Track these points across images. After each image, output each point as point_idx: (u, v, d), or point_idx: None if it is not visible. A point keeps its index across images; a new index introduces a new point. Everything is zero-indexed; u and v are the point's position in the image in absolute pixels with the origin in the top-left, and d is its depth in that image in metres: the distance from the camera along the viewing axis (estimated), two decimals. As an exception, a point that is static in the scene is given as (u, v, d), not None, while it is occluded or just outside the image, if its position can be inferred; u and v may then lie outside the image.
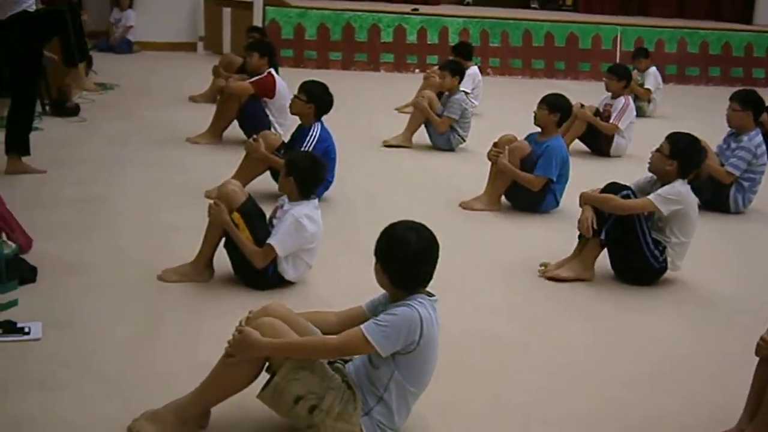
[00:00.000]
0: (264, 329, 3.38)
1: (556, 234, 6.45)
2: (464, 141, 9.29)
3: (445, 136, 9.20)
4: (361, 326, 3.34)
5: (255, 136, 6.89)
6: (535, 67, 15.83)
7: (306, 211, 5.00)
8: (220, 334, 4.28)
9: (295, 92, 6.86)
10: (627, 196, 5.45)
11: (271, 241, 4.94)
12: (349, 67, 15.14)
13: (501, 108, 11.93)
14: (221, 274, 5.20)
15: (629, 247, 5.44)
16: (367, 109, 10.96)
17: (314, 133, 6.71)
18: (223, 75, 10.32)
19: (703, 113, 12.59)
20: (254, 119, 8.39)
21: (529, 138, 7.16)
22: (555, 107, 7.01)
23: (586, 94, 9.48)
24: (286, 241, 4.95)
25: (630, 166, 8.93)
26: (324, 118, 6.89)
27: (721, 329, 5.05)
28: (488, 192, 7.11)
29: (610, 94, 9.70)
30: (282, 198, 5.17)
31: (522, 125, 8.29)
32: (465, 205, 7.08)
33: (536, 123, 7.11)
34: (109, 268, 5.27)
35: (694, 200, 5.54)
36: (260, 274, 5.02)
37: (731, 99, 7.54)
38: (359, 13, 15.31)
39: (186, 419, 3.48)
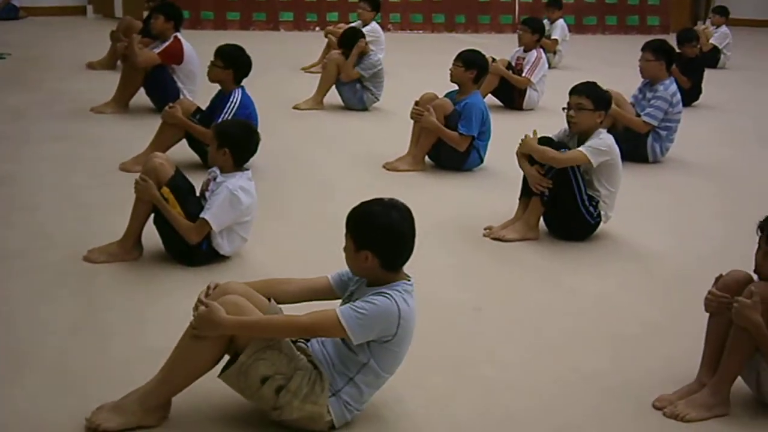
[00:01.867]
0: (227, 308, 3.20)
1: (486, 192, 6.42)
2: (378, 100, 9.17)
3: (357, 95, 9.07)
4: (337, 309, 3.21)
5: (171, 104, 6.62)
6: (435, 21, 15.77)
7: (241, 182, 4.82)
8: (164, 316, 4.19)
9: (211, 58, 6.60)
10: None
11: (205, 215, 4.75)
12: (247, 27, 14.84)
13: (407, 64, 11.83)
14: (150, 251, 4.99)
15: (566, 205, 5.42)
16: (271, 71, 10.69)
17: (235, 99, 6.48)
18: (123, 39, 9.91)
19: (605, 63, 12.78)
20: (161, 86, 8.13)
21: (449, 96, 7.08)
22: (471, 64, 6.93)
23: (488, 47, 9.45)
24: (220, 215, 4.76)
25: (543, 118, 8.97)
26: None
27: (667, 283, 5.07)
28: (412, 152, 7.02)
29: (521, 47, 9.68)
30: (213, 169, 4.97)
31: (431, 81, 8.23)
32: (389, 167, 6.98)
33: (453, 80, 7.03)
34: (35, 252, 5.01)
35: (617, 149, 5.54)
36: (193, 249, 4.83)
37: (643, 49, 7.57)
38: (256, -29, 14.98)
39: (150, 408, 3.30)
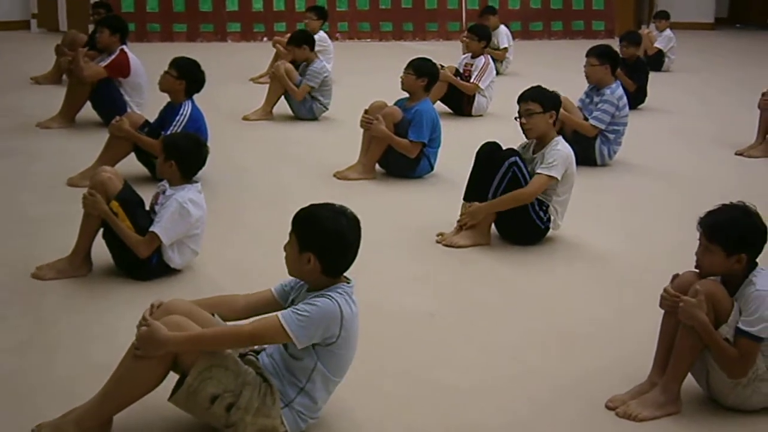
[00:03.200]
0: (170, 328, 3.17)
1: (438, 199, 6.43)
2: (327, 109, 9.17)
3: (307, 105, 9.05)
4: (278, 314, 3.19)
5: (118, 117, 6.55)
6: (383, 29, 15.81)
7: (190, 195, 4.78)
8: (113, 332, 4.13)
9: (164, 69, 6.54)
10: (515, 163, 5.43)
11: (154, 228, 4.70)
12: (194, 38, 14.76)
13: (356, 72, 11.84)
14: (100, 266, 4.93)
15: (516, 210, 5.45)
16: (219, 82, 10.56)
17: (185, 112, 6.42)
18: (68, 53, 9.80)
19: (551, 68, 12.88)
20: (108, 100, 8.06)
21: (398, 104, 7.09)
22: (422, 72, 6.96)
23: (436, 54, 9.49)
24: (170, 229, 4.72)
25: (493, 124, 9.05)
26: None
27: (620, 284, 5.11)
28: (362, 160, 7.02)
29: (469, 54, 9.75)
30: (163, 183, 4.92)
31: (380, 89, 8.24)
32: (340, 175, 6.97)
33: (404, 88, 7.05)
34: (-20, 270, 4.93)
35: (573, 156, 5.59)
36: (144, 264, 4.78)
37: (588, 55, 7.65)
38: (202, -18, 14.91)
39: (88, 429, 3.24)
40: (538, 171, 5.42)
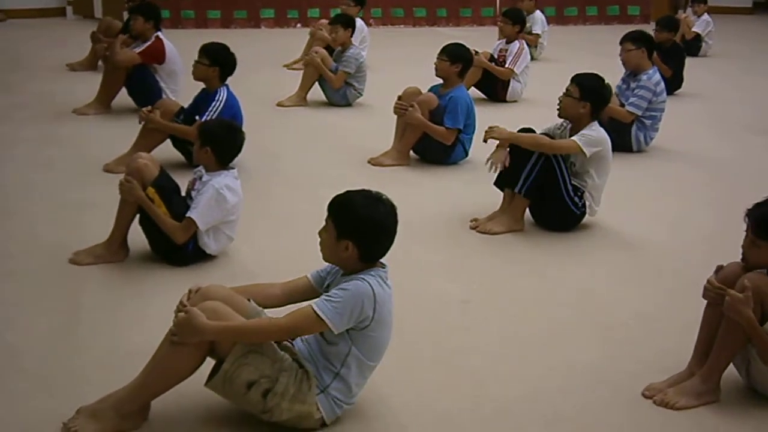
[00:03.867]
0: (207, 314, 3.18)
1: (472, 185, 6.40)
2: (361, 95, 9.14)
3: (341, 92, 9.03)
4: (312, 303, 3.20)
5: (149, 107, 6.57)
6: (417, 15, 15.73)
7: (226, 181, 4.80)
8: (149, 318, 4.17)
9: (196, 57, 6.55)
10: None
11: (191, 214, 4.72)
12: (228, 25, 14.76)
13: (389, 59, 11.79)
14: (137, 252, 4.97)
15: (551, 196, 5.42)
16: (253, 68, 10.56)
17: (221, 98, 6.43)
18: (103, 40, 9.87)
19: (586, 53, 12.78)
20: (143, 86, 8.06)
21: (433, 90, 7.07)
22: (456, 58, 6.92)
23: (469, 40, 9.43)
24: (207, 214, 4.74)
25: (527, 109, 8.98)
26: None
27: (656, 271, 5.07)
28: (397, 146, 7.00)
29: (503, 39, 9.69)
30: (199, 169, 4.94)
31: (414, 75, 8.21)
32: (374, 162, 6.96)
33: (438, 74, 7.01)
34: (21, 255, 4.98)
35: (609, 141, 5.55)
36: (180, 249, 4.81)
37: (622, 41, 7.58)
38: (236, -31, 14.91)
39: (127, 414, 3.28)
40: (572, 138, 5.40)
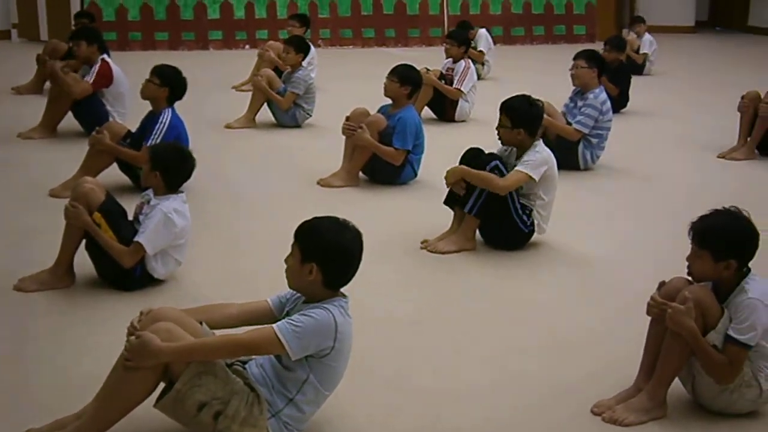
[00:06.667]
0: (161, 335, 3.15)
1: (422, 205, 6.43)
2: (310, 116, 9.16)
3: (290, 113, 9.04)
4: (274, 326, 3.19)
5: (98, 128, 6.52)
6: (366, 36, 15.82)
7: (174, 205, 4.76)
8: (98, 343, 4.10)
9: (146, 77, 6.51)
10: (496, 167, 5.43)
11: (139, 238, 4.68)
12: (176, 47, 14.73)
13: (338, 79, 11.83)
14: (83, 277, 4.90)
15: (499, 215, 5.46)
16: (202, 90, 10.52)
17: (164, 120, 6.39)
18: (49, 63, 9.76)
19: (533, 72, 12.92)
20: (90, 110, 8.02)
21: (382, 110, 7.09)
22: (406, 79, 6.96)
23: (418, 60, 9.52)
24: (155, 239, 4.70)
25: (476, 129, 9.06)
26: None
27: (605, 289, 5.12)
28: (346, 167, 7.01)
29: (450, 59, 9.77)
30: (147, 192, 4.90)
31: (364, 95, 8.24)
32: (323, 183, 6.96)
33: (386, 94, 7.04)
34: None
35: (554, 159, 5.60)
36: (127, 274, 4.76)
37: (576, 57, 7.68)
38: (183, -9, 14.90)
39: None
40: (516, 168, 5.43)
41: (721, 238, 3.53)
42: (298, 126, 9.08)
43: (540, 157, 5.45)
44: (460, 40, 9.78)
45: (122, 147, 6.41)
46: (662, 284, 3.75)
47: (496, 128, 5.56)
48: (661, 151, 8.58)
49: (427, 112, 9.39)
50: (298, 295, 3.42)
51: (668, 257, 5.12)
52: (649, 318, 3.75)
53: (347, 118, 7.04)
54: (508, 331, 4.52)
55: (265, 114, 9.11)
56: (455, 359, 4.20)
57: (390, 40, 15.98)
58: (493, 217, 5.50)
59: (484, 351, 4.28)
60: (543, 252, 5.64)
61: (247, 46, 14.84)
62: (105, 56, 8.15)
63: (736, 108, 8.36)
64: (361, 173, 7.08)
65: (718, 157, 8.25)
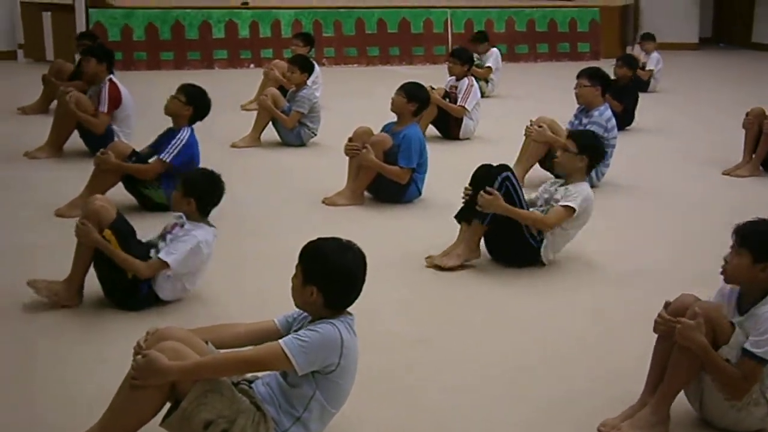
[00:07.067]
0: (167, 354, 3.16)
1: (427, 223, 6.44)
2: (315, 134, 9.17)
3: (295, 132, 9.06)
4: (281, 341, 3.20)
5: (102, 150, 6.53)
6: (370, 54, 15.84)
7: (208, 237, 4.85)
8: (106, 363, 4.11)
9: (173, 93, 6.59)
10: (507, 178, 5.47)
11: (166, 258, 4.69)
12: (181, 66, 14.74)
13: (343, 98, 11.84)
14: (89, 297, 4.90)
15: (509, 228, 5.46)
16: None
17: (183, 137, 6.46)
18: (55, 83, 9.82)
19: (537, 88, 12.95)
20: (94, 134, 8.02)
21: (386, 128, 7.11)
22: (413, 97, 6.98)
23: (423, 78, 9.54)
24: (182, 262, 4.73)
25: (480, 147, 9.07)
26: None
27: (610, 304, 5.13)
28: (351, 186, 7.01)
29: (453, 77, 9.80)
30: (181, 216, 4.92)
31: (367, 114, 8.25)
32: (328, 201, 6.96)
33: (392, 109, 7.07)
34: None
35: (593, 199, 5.64)
36: (133, 294, 4.77)
37: (579, 76, 7.70)
38: (188, 11, 14.94)
39: None
40: (562, 204, 5.46)
41: (765, 239, 3.55)
42: (303, 144, 9.10)
43: (586, 194, 5.52)
44: (463, 59, 9.81)
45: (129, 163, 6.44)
46: (668, 303, 3.74)
47: (557, 154, 5.67)
48: (666, 168, 8.58)
49: (431, 130, 9.39)
50: (305, 314, 3.43)
51: (672, 273, 5.15)
52: (655, 335, 3.74)
53: (350, 139, 7.06)
54: (512, 346, 4.54)
55: (270, 133, 9.13)
56: (461, 376, 4.20)
57: (394, 58, 16.01)
58: (502, 230, 5.49)
59: (488, 367, 4.29)
60: (546, 267, 5.64)
61: (251, 65, 14.87)
62: (112, 77, 8.18)
63: (740, 125, 8.36)
64: (366, 192, 7.09)
65: (723, 174, 8.25)
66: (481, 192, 5.38)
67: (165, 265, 4.70)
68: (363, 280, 3.35)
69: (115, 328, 4.59)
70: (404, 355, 4.42)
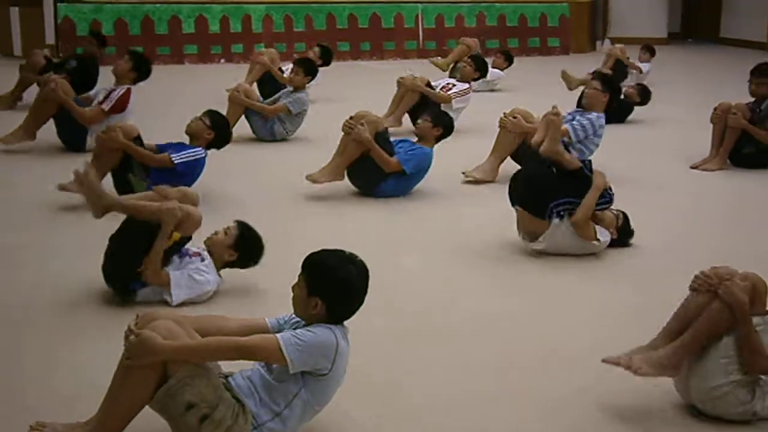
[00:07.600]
0: (160, 332, 3.18)
1: (404, 217, 6.52)
2: (288, 136, 9.17)
3: (268, 126, 9.04)
4: (278, 335, 3.24)
5: (109, 125, 6.55)
6: (341, 49, 15.83)
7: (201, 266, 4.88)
8: (100, 356, 4.00)
9: (199, 115, 6.70)
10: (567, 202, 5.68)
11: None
12: (151, 61, 14.63)
13: (312, 93, 11.80)
14: (84, 293, 4.88)
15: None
16: (177, 105, 10.45)
17: (199, 153, 6.59)
18: (33, 78, 9.78)
19: (509, 82, 13.00)
20: (75, 126, 8.00)
21: (401, 142, 7.22)
22: (439, 123, 7.20)
23: (394, 73, 9.57)
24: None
25: (453, 140, 9.04)
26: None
27: (599, 303, 5.10)
28: (336, 161, 6.98)
29: (452, 79, 10.04)
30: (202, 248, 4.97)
31: (338, 111, 8.22)
32: (311, 178, 6.90)
33: (417, 132, 7.25)
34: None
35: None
36: (135, 280, 4.75)
37: (594, 78, 7.81)
38: (158, 5, 14.89)
39: None
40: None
41: None
42: (274, 140, 9.08)
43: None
44: (479, 68, 10.10)
45: (139, 147, 6.41)
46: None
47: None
48: (635, 162, 8.52)
49: (406, 119, 9.41)
50: (297, 319, 3.46)
51: (655, 270, 5.20)
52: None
53: (351, 117, 7.08)
54: (503, 344, 4.52)
55: (242, 127, 9.05)
56: (451, 372, 4.20)
57: (365, 53, 16.04)
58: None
59: (480, 364, 4.29)
60: (539, 264, 5.64)
61: (222, 60, 14.87)
62: (132, 87, 8.14)
63: (708, 119, 8.45)
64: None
65: (691, 167, 8.33)
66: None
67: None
68: (365, 293, 3.40)
69: (111, 325, 4.50)
70: (393, 350, 4.40)
